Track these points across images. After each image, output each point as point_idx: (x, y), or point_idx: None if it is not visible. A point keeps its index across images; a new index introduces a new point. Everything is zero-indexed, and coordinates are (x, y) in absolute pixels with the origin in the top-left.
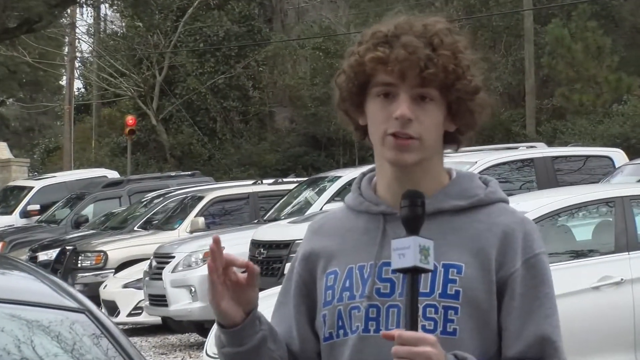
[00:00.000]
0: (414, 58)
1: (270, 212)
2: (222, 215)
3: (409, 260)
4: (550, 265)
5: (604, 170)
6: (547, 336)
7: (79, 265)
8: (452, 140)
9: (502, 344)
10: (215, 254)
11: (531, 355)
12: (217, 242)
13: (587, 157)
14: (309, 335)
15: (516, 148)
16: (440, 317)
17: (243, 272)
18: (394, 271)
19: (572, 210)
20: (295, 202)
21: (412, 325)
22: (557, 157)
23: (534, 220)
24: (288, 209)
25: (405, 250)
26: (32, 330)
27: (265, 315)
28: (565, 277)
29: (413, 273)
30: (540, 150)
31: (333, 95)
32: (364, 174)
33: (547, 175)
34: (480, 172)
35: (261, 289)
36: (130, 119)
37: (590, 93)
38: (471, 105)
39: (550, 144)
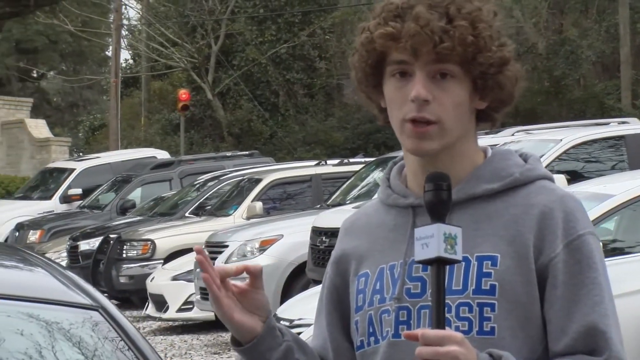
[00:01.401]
0: (426, 31)
1: (335, 196)
2: (282, 199)
3: (432, 251)
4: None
5: None
6: (595, 325)
7: (124, 255)
8: (485, 117)
9: (548, 338)
10: (204, 265)
11: (580, 348)
12: (199, 252)
13: None
14: (344, 345)
15: (607, 124)
16: (475, 316)
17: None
18: (417, 263)
19: None
20: (362, 184)
21: (438, 323)
22: None
23: (623, 203)
24: (354, 193)
25: (429, 240)
26: (44, 328)
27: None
28: None
29: (438, 264)
30: (633, 127)
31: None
32: (394, 163)
33: None
34: (565, 151)
35: (321, 281)
36: (183, 94)
37: None
38: (499, 79)
39: None
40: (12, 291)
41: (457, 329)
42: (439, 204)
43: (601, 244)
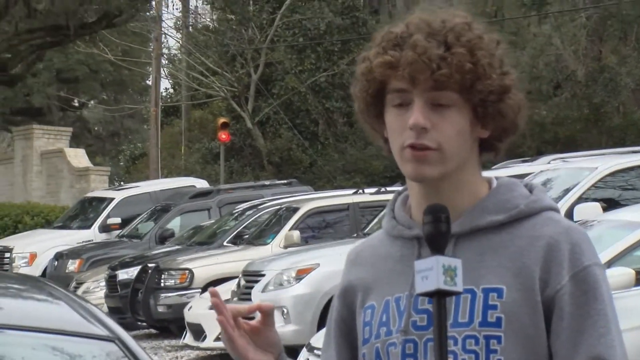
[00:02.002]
0: (423, 59)
1: (372, 224)
2: (319, 228)
3: (432, 283)
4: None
5: None
6: (601, 357)
7: (162, 284)
8: (489, 147)
9: None
10: (219, 307)
11: None
12: (214, 294)
13: None
14: None
15: None
16: (482, 349)
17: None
18: (419, 295)
19: None
20: None
21: (441, 356)
22: None
23: None
24: None
25: (428, 272)
26: (62, 359)
27: None
28: None
29: (439, 296)
30: None
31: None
32: (399, 193)
33: None
34: (601, 179)
35: None
36: (223, 134)
37: None
38: (500, 107)
39: None
40: (32, 323)
41: None
42: (437, 235)
43: (607, 275)
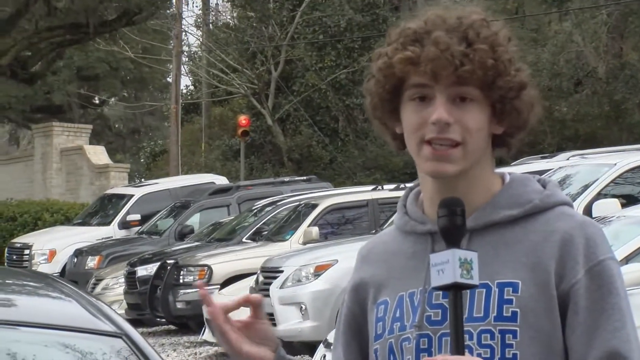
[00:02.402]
0: (446, 55)
1: (390, 220)
2: (338, 224)
3: (448, 276)
4: None
5: None
6: (617, 351)
7: (181, 280)
8: (501, 143)
9: None
10: (207, 299)
11: None
12: (200, 286)
13: None
14: None
15: None
16: (497, 343)
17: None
18: (434, 289)
19: None
20: None
21: (458, 350)
22: None
23: None
24: None
25: (445, 265)
26: (69, 355)
27: None
28: None
29: (455, 290)
30: None
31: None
32: (411, 189)
33: None
34: (620, 175)
35: None
36: (243, 119)
37: None
38: (517, 104)
39: None
40: (43, 320)
41: (479, 356)
42: (453, 229)
43: (624, 271)
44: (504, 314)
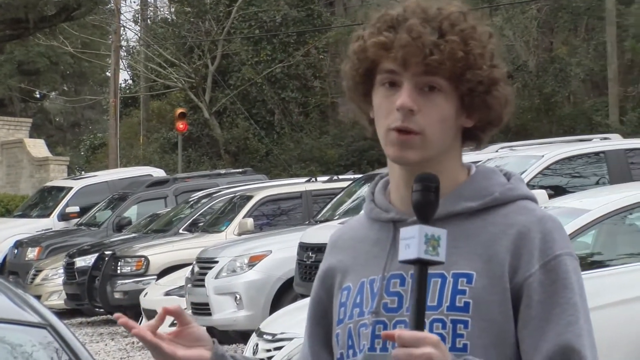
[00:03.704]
0: (417, 43)
1: (323, 212)
2: (273, 215)
3: (413, 252)
4: (616, 267)
5: None
6: (570, 345)
7: (119, 271)
8: (472, 137)
9: (522, 357)
10: (129, 324)
11: None
12: (118, 317)
13: None
14: (325, 357)
15: (589, 140)
16: (448, 333)
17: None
18: (401, 262)
19: None
20: (350, 200)
21: (417, 325)
22: (631, 150)
23: (599, 218)
24: (343, 208)
25: (411, 240)
26: None
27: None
28: (633, 279)
29: (420, 266)
30: (613, 142)
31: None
32: (380, 177)
33: (620, 169)
34: (548, 167)
35: (308, 296)
36: (181, 123)
37: None
38: (487, 99)
39: (634, 134)
40: None
41: None
42: (426, 204)
43: (579, 264)
44: (457, 304)
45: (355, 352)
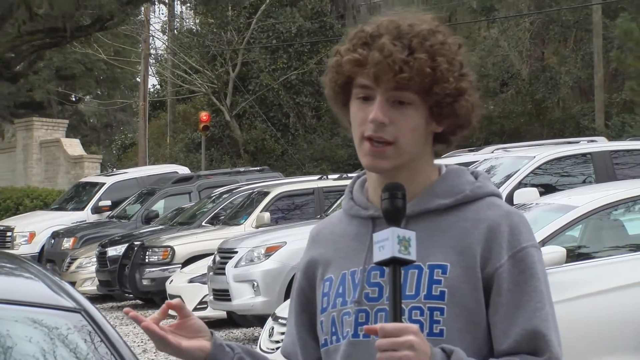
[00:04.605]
0: (388, 61)
1: (334, 207)
2: (288, 210)
3: (387, 252)
4: (601, 258)
5: None
6: (537, 330)
7: (147, 260)
8: (442, 140)
9: (493, 341)
10: (138, 318)
11: (523, 350)
12: (129, 312)
13: None
14: (310, 343)
15: (577, 142)
16: (426, 319)
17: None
18: (376, 264)
19: (626, 204)
20: None
21: (395, 319)
22: (615, 152)
23: (585, 214)
24: None
25: (385, 242)
26: (37, 330)
27: None
28: (617, 270)
29: (394, 264)
30: (599, 145)
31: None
32: (358, 177)
33: (605, 169)
34: (539, 167)
35: None
36: (204, 115)
37: None
38: (455, 107)
39: (618, 137)
40: (11, 296)
41: None
42: (394, 211)
43: (542, 254)
44: (433, 293)
45: (338, 338)
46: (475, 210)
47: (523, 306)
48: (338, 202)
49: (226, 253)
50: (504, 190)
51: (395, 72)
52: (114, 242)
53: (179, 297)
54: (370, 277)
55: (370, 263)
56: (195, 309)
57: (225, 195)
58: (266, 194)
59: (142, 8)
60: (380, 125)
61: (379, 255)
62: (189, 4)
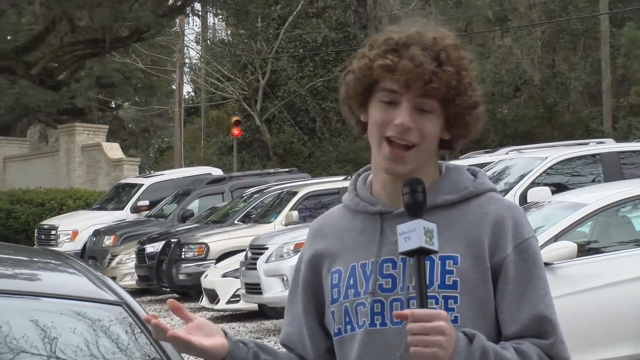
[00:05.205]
0: (419, 71)
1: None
2: (315, 208)
3: (414, 242)
4: (609, 253)
5: None
6: (543, 314)
7: (183, 256)
8: (446, 146)
9: (501, 326)
10: (161, 327)
11: (530, 333)
12: (149, 320)
13: None
14: (318, 331)
15: (586, 144)
16: (441, 307)
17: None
18: (401, 254)
19: (633, 201)
20: None
21: (422, 305)
22: (623, 152)
23: (595, 211)
24: None
25: (411, 233)
26: (81, 322)
27: None
28: (624, 264)
29: (419, 255)
30: (607, 146)
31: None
32: (358, 174)
33: (613, 169)
34: (551, 167)
35: None
36: (236, 129)
37: None
38: (468, 119)
39: (625, 139)
40: (57, 291)
41: None
42: (415, 204)
43: (553, 247)
44: (446, 283)
45: (353, 327)
46: (479, 205)
47: (529, 292)
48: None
49: (257, 249)
50: (518, 189)
51: (426, 81)
52: (152, 240)
53: (213, 290)
54: (383, 269)
55: (381, 256)
56: (229, 302)
57: (256, 195)
58: (294, 193)
59: (177, 20)
60: (407, 129)
61: (405, 245)
62: (221, 16)
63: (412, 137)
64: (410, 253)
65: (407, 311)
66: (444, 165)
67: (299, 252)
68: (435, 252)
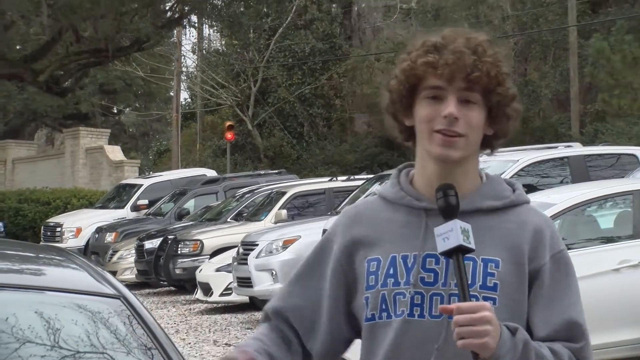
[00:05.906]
0: (461, 62)
1: (343, 204)
2: (302, 208)
3: (453, 241)
4: (576, 249)
5: (634, 167)
6: (574, 320)
7: (179, 252)
8: (487, 144)
9: (533, 328)
10: None
11: (560, 337)
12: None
13: (619, 155)
14: (342, 319)
15: (555, 147)
16: None
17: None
18: (441, 254)
19: (598, 201)
20: (364, 195)
21: (465, 299)
22: (589, 156)
23: (563, 210)
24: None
25: (449, 234)
26: (82, 314)
27: None
28: (589, 260)
29: (458, 253)
30: (575, 150)
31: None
32: (400, 170)
33: (580, 171)
34: (522, 169)
35: None
36: (229, 133)
37: (627, 98)
38: (508, 111)
39: (592, 143)
40: (60, 285)
41: None
42: (449, 207)
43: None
44: (487, 284)
45: (389, 315)
46: (517, 214)
47: (562, 299)
48: (346, 200)
49: (248, 245)
50: None
51: (467, 72)
52: (151, 236)
53: (207, 283)
54: (426, 263)
55: (425, 250)
56: (222, 294)
57: (247, 195)
58: (283, 193)
59: (175, 31)
60: (454, 120)
61: (444, 245)
62: (215, 28)
63: (460, 127)
64: (449, 253)
65: (453, 305)
66: (484, 174)
67: (325, 233)
68: (472, 250)
